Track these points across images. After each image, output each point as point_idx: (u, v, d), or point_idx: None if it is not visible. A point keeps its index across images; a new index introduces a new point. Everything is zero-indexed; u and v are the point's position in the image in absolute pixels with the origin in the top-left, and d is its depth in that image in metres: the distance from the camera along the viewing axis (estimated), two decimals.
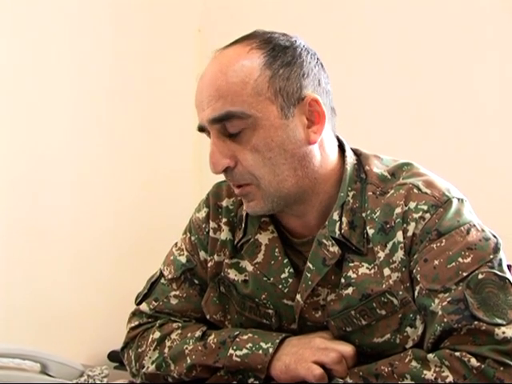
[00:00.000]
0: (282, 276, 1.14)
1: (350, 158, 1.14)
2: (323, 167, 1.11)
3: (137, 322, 1.24)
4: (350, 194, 1.11)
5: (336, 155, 1.14)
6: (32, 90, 2.15)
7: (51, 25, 2.20)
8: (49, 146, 2.20)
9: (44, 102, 2.18)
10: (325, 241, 1.10)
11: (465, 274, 1.01)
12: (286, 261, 1.14)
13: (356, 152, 1.17)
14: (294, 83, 1.07)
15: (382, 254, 1.07)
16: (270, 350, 1.07)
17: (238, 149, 1.06)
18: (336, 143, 1.15)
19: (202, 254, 1.22)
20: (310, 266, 1.11)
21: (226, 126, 1.06)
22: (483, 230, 1.05)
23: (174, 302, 1.22)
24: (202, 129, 1.11)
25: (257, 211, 1.10)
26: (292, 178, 1.07)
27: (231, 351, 1.10)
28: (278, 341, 1.09)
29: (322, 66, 1.13)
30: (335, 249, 1.09)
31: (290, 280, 1.13)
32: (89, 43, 2.33)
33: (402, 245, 1.06)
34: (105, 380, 1.26)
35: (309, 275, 1.11)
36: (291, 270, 1.13)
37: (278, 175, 1.06)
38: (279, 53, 1.07)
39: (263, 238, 1.16)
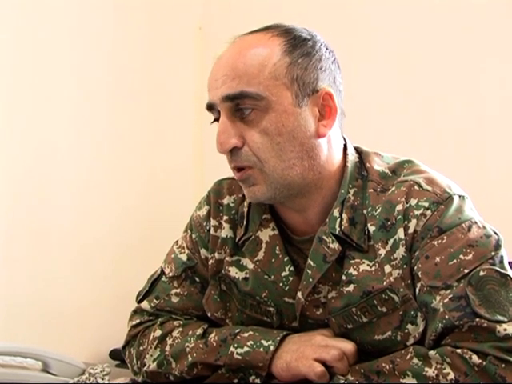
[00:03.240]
0: (283, 274, 1.14)
1: (352, 156, 1.14)
2: (329, 163, 1.11)
3: (138, 320, 1.24)
4: (351, 190, 1.11)
5: (341, 154, 1.14)
6: (33, 89, 2.15)
7: (52, 22, 2.20)
8: (50, 144, 2.20)
9: (45, 100, 2.18)
10: (325, 237, 1.10)
11: (466, 271, 1.01)
12: (286, 259, 1.14)
13: (357, 150, 1.17)
14: (311, 74, 1.08)
15: (382, 251, 1.07)
16: (271, 348, 1.07)
17: (247, 130, 1.06)
18: (342, 142, 1.15)
19: (203, 251, 1.22)
20: (311, 262, 1.10)
21: (238, 105, 1.06)
22: (484, 227, 1.06)
23: (175, 299, 1.22)
24: (210, 107, 1.10)
25: (258, 197, 1.09)
26: (298, 168, 1.07)
27: (232, 349, 1.10)
28: (278, 338, 1.09)
29: (339, 65, 1.14)
30: (335, 245, 1.09)
31: (291, 278, 1.13)
32: (90, 42, 2.33)
33: (403, 242, 1.06)
34: (106, 378, 1.26)
35: (309, 272, 1.10)
36: (292, 269, 1.13)
37: (284, 161, 1.06)
38: (299, 43, 1.09)
39: (264, 235, 1.16)
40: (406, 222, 1.06)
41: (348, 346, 1.06)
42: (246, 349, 1.09)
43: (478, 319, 0.97)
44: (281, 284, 1.14)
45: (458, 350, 0.97)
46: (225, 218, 1.20)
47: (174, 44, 2.65)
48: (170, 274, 1.23)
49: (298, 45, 1.08)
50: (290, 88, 1.06)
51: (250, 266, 1.17)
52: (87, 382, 1.24)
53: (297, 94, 1.06)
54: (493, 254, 1.02)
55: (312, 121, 1.08)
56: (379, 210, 1.09)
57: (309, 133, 1.07)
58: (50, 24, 2.20)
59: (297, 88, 1.06)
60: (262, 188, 1.08)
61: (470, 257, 1.01)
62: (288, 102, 1.06)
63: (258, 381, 1.08)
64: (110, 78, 2.41)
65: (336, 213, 1.10)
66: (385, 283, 1.06)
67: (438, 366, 0.97)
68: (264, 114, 1.06)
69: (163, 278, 1.24)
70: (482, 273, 1.00)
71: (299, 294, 1.12)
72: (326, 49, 1.12)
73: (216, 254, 1.20)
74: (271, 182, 1.07)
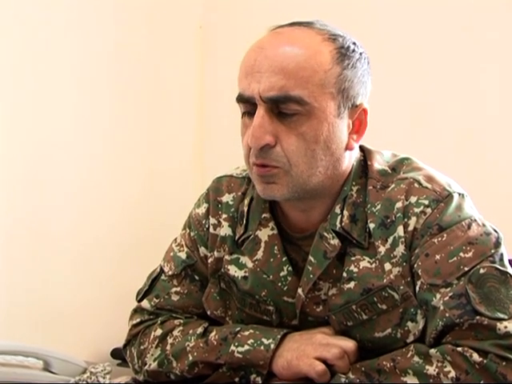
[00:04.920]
0: (281, 274, 1.14)
1: (357, 154, 1.15)
2: (346, 171, 1.12)
3: (138, 319, 1.23)
4: (354, 188, 1.12)
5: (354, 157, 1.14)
6: (33, 88, 2.15)
7: (53, 21, 2.20)
8: (50, 144, 2.20)
9: (45, 100, 2.18)
10: (326, 234, 1.10)
11: (466, 269, 1.01)
12: (284, 259, 1.14)
13: (362, 148, 1.17)
14: (356, 87, 1.08)
15: (382, 249, 1.07)
16: (272, 346, 1.07)
17: (284, 130, 1.04)
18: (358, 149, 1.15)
19: (202, 249, 1.22)
20: (312, 259, 1.11)
21: (280, 107, 1.04)
22: (484, 225, 1.06)
23: (175, 298, 1.22)
24: (244, 99, 1.06)
25: (275, 195, 1.08)
26: (321, 176, 1.07)
27: (233, 347, 1.10)
28: (279, 336, 1.08)
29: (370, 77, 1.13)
30: (335, 241, 1.09)
31: (289, 278, 1.13)
32: (90, 41, 2.33)
33: (403, 239, 1.06)
34: (107, 377, 1.26)
35: (310, 268, 1.11)
36: (290, 269, 1.13)
37: (312, 168, 1.06)
38: (349, 53, 1.08)
39: (263, 234, 1.16)
40: (405, 220, 1.06)
41: (349, 344, 1.06)
42: (246, 347, 1.09)
43: (478, 317, 0.98)
44: (279, 284, 1.14)
45: (459, 348, 0.97)
46: (224, 216, 1.20)
47: (174, 43, 2.64)
48: (170, 273, 1.23)
49: (347, 55, 1.07)
50: (335, 98, 1.05)
51: (250, 264, 1.17)
52: (88, 381, 1.25)
53: (339, 105, 1.06)
54: (493, 251, 1.02)
55: (346, 133, 1.08)
56: (378, 207, 1.09)
57: (341, 144, 1.08)
58: (49, 23, 2.19)
59: (341, 99, 1.06)
60: (282, 188, 1.07)
61: (470, 254, 1.02)
62: (330, 111, 1.05)
63: (258, 379, 1.08)
64: (110, 77, 2.41)
65: (337, 209, 1.11)
66: (385, 280, 1.06)
67: (439, 364, 0.97)
68: (306, 119, 1.04)
69: (163, 277, 1.24)
70: (482, 270, 1.00)
71: (300, 290, 1.12)
72: (368, 63, 1.11)
73: (215, 253, 1.20)
74: (293, 186, 1.06)
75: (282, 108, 1.04)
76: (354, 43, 1.10)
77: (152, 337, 1.19)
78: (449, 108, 2.26)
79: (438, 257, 1.03)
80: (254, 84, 1.04)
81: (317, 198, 1.11)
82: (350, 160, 1.12)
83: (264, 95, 1.03)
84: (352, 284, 1.08)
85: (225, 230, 1.19)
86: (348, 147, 1.09)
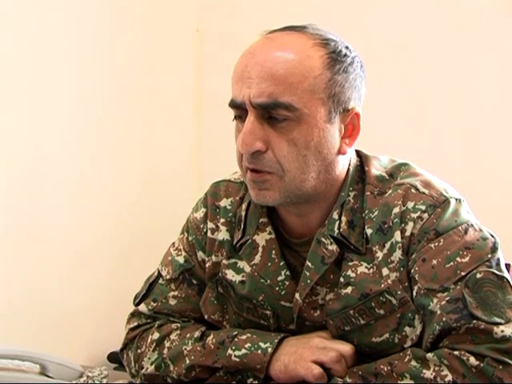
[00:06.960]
0: (279, 278, 1.14)
1: (353, 159, 1.15)
2: (340, 176, 1.11)
3: (136, 323, 1.23)
4: (352, 194, 1.12)
5: (348, 161, 1.14)
6: (30, 90, 2.15)
7: (50, 23, 2.20)
8: (47, 145, 2.20)
9: (42, 101, 2.18)
10: (324, 239, 1.10)
11: (463, 274, 1.01)
12: (282, 263, 1.14)
13: (358, 153, 1.17)
14: (347, 92, 1.07)
15: (380, 254, 1.08)
16: (269, 350, 1.07)
17: (275, 136, 1.04)
18: (352, 153, 1.15)
19: (200, 254, 1.22)
20: (309, 264, 1.11)
21: (270, 113, 1.04)
22: (481, 230, 1.06)
23: (172, 302, 1.22)
24: (236, 105, 1.06)
25: (267, 201, 1.08)
26: (314, 180, 1.07)
27: (230, 351, 1.10)
28: (276, 340, 1.09)
29: (365, 82, 1.13)
30: (334, 247, 1.09)
31: (287, 283, 1.13)
32: (87, 44, 2.33)
33: (400, 245, 1.06)
34: (104, 381, 1.26)
35: (308, 274, 1.11)
36: (287, 273, 1.13)
37: (304, 173, 1.06)
38: (340, 58, 1.07)
39: (261, 239, 1.16)
40: (402, 225, 1.06)
41: (346, 348, 1.07)
42: (243, 351, 1.09)
43: (475, 321, 0.98)
44: (277, 288, 1.14)
45: (456, 352, 0.97)
46: (222, 220, 1.20)
47: (171, 46, 2.64)
48: (168, 277, 1.23)
49: (338, 60, 1.07)
50: (325, 103, 1.05)
51: (247, 269, 1.17)
52: None
53: (330, 111, 1.06)
54: (489, 256, 1.03)
55: (337, 138, 1.08)
56: (376, 213, 1.09)
57: (332, 149, 1.07)
58: (47, 28, 2.19)
59: (331, 104, 1.05)
60: (274, 194, 1.07)
61: (466, 259, 1.02)
62: (320, 116, 1.05)
63: (255, 383, 1.08)
64: (107, 80, 2.41)
65: (335, 215, 1.11)
66: (382, 286, 1.06)
67: (436, 368, 0.97)
68: (296, 125, 1.04)
69: (160, 281, 1.24)
70: (478, 275, 1.01)
71: (297, 295, 1.12)
72: (361, 66, 1.11)
73: (213, 257, 1.20)
74: (286, 191, 1.06)
75: (273, 114, 1.04)
76: (347, 47, 1.10)
77: (149, 340, 1.19)
78: (446, 110, 2.26)
79: (434, 262, 1.03)
80: (245, 90, 1.04)
81: (312, 203, 1.11)
82: (343, 164, 1.11)
83: (254, 101, 1.03)
84: (349, 289, 1.08)
85: (223, 235, 1.19)
86: (340, 152, 1.09)
